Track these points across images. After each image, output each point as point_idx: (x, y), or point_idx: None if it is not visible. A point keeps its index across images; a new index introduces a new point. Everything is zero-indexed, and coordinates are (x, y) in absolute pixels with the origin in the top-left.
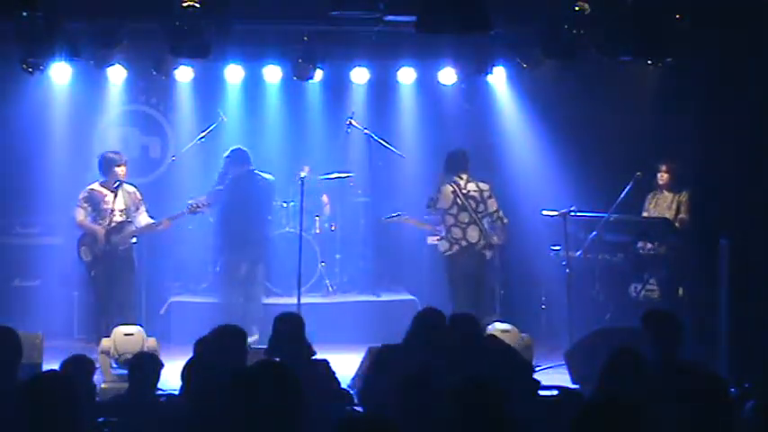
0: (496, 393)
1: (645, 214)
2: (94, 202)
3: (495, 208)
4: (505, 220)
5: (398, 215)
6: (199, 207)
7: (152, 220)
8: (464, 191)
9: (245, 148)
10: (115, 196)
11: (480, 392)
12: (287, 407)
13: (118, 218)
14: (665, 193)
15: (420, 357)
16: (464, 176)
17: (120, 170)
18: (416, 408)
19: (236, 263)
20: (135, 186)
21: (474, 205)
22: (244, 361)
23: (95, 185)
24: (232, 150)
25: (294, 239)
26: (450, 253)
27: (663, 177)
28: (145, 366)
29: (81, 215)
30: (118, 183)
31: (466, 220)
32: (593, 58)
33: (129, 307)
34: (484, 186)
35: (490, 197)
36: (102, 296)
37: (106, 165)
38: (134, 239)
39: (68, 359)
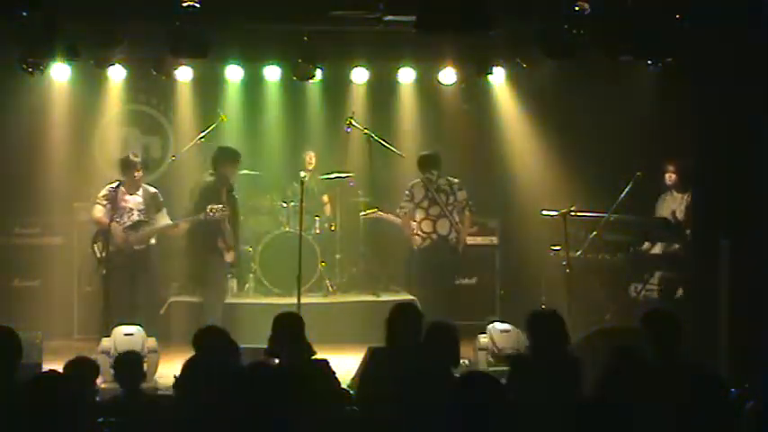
0: (496, 391)
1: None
2: (114, 200)
3: (464, 197)
4: (473, 209)
5: (375, 211)
6: (216, 212)
7: (170, 222)
8: (435, 185)
9: (231, 147)
10: (135, 195)
11: (479, 390)
12: (286, 408)
13: (136, 217)
14: (675, 193)
15: (417, 357)
16: (435, 172)
17: (138, 174)
18: (416, 407)
19: (193, 265)
20: (156, 189)
21: (444, 198)
22: (237, 360)
23: (116, 184)
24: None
25: (294, 239)
26: (423, 246)
27: (671, 177)
28: (126, 363)
29: (99, 212)
30: (139, 183)
31: (436, 214)
32: (593, 58)
33: (141, 308)
34: (454, 180)
35: (460, 189)
36: (109, 295)
37: (125, 166)
38: (152, 240)
39: (71, 361)
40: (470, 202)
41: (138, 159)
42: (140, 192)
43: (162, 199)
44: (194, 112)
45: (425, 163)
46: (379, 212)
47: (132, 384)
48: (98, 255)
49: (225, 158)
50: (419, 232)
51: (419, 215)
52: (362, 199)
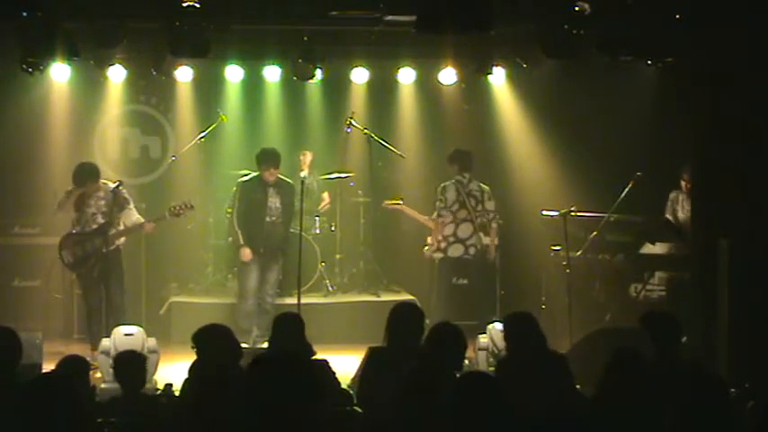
0: (495, 389)
1: (669, 216)
2: (77, 205)
3: (492, 208)
4: (500, 222)
5: (399, 202)
6: (181, 210)
7: (140, 220)
8: (466, 189)
9: (269, 149)
10: (97, 198)
11: (478, 390)
12: (286, 409)
13: (100, 220)
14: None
15: (419, 357)
16: (467, 175)
17: (95, 183)
18: (415, 406)
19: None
20: (120, 185)
21: (473, 203)
22: (236, 359)
23: (79, 189)
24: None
25: (294, 239)
26: (442, 252)
27: (686, 187)
28: (127, 364)
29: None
30: (103, 185)
31: (462, 217)
32: (593, 57)
33: (122, 309)
34: (485, 188)
35: (490, 199)
36: (88, 298)
37: (81, 175)
38: (121, 240)
39: (62, 360)
40: (497, 215)
41: (92, 170)
42: (101, 193)
43: (126, 195)
44: (194, 112)
45: (459, 160)
46: (404, 205)
47: (132, 386)
48: (66, 261)
49: (260, 160)
50: (441, 238)
51: (446, 218)
52: (363, 199)
